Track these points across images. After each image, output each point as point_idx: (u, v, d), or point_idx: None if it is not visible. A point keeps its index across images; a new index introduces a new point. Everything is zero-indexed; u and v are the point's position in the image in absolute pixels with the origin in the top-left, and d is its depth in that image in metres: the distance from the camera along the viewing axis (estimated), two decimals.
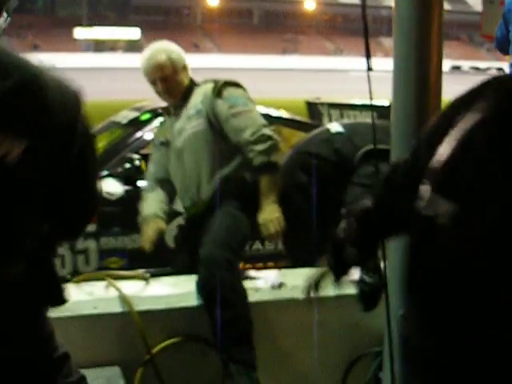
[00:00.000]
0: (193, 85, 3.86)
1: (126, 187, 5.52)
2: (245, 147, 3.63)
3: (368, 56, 2.48)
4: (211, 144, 3.70)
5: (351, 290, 3.09)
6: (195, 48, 68.16)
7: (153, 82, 3.81)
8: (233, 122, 3.65)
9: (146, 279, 3.46)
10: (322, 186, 3.69)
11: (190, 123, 3.74)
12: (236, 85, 3.79)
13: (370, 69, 2.43)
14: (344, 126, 4.02)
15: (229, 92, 3.72)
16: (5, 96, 1.70)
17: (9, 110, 1.70)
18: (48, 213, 1.86)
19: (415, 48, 2.54)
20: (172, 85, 3.78)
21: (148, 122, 5.84)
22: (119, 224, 5.49)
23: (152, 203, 3.92)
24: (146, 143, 5.71)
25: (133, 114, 6.12)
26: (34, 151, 1.70)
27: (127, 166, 5.52)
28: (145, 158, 5.70)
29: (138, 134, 5.85)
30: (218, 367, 3.25)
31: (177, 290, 3.37)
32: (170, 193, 4.00)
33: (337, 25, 79.68)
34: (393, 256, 2.53)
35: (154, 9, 77.07)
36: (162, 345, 3.22)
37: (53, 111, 1.76)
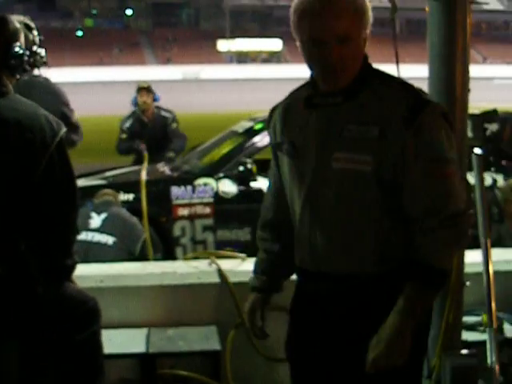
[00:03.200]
0: None
1: (240, 187, 6.41)
2: None
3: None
4: None
5: None
6: None
7: None
8: None
9: (242, 258, 4.20)
10: None
11: None
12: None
13: None
14: None
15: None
16: None
17: None
18: (23, 234, 2.48)
19: (444, 67, 3.15)
20: None
21: (261, 130, 6.66)
22: (233, 219, 6.38)
23: None
24: (259, 149, 6.60)
25: (249, 124, 7.04)
26: None
27: (241, 168, 6.40)
28: (257, 162, 6.56)
29: (252, 142, 6.72)
30: None
31: None
32: None
33: (481, 32, 78.11)
34: None
35: None
36: None
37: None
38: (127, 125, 8.52)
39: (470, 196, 3.11)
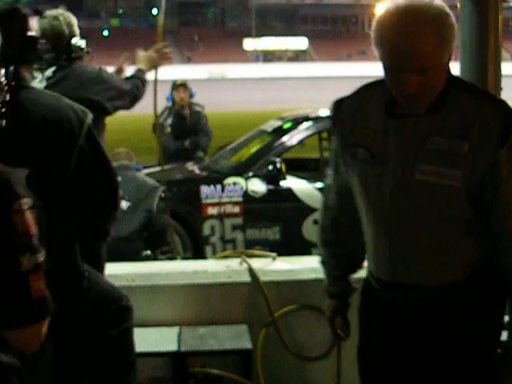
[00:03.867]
0: None
1: (269, 186, 6.40)
2: None
3: None
4: None
5: None
6: (363, 56, 68.48)
7: None
8: None
9: (273, 257, 4.21)
10: None
11: None
12: None
13: None
14: None
15: None
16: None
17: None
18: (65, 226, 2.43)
19: (476, 65, 3.15)
20: None
21: (290, 129, 6.67)
22: (262, 218, 6.38)
23: None
24: (288, 148, 6.59)
25: (277, 123, 7.04)
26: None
27: (270, 168, 6.40)
28: (286, 161, 6.58)
29: (281, 141, 6.72)
30: (329, 331, 3.95)
31: (296, 266, 4.10)
32: None
33: (509, 29, 77.40)
34: None
35: (321, 18, 77.97)
36: (283, 310, 3.95)
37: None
38: (169, 122, 8.69)
39: None
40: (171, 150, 8.43)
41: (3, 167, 1.78)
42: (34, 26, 2.73)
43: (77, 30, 3.81)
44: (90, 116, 2.57)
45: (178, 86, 8.80)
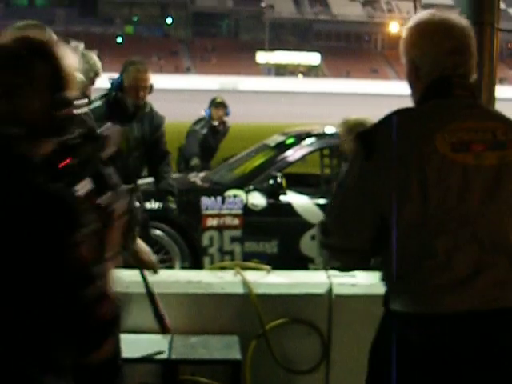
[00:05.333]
0: None
1: (269, 200, 6.49)
2: None
3: None
4: None
5: None
6: (374, 74, 68.61)
7: None
8: None
9: (267, 270, 4.27)
10: None
11: None
12: None
13: None
14: None
15: None
16: None
17: None
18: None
19: None
20: None
21: (292, 145, 6.76)
22: (261, 231, 6.46)
23: None
24: (289, 164, 6.68)
25: (280, 138, 7.13)
26: None
27: (271, 182, 6.49)
28: (287, 176, 6.66)
29: (283, 156, 6.81)
30: (319, 346, 4.01)
31: (289, 280, 4.16)
32: None
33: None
34: None
35: (334, 34, 78.15)
36: (274, 323, 4.00)
37: None
38: (203, 131, 9.16)
39: None
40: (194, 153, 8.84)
41: (68, 192, 1.78)
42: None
43: None
44: None
45: (219, 104, 9.26)
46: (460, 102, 2.28)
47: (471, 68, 2.29)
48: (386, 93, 42.28)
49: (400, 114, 2.28)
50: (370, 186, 2.22)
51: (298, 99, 40.88)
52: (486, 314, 2.16)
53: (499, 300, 2.17)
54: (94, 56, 4.36)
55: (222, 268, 4.34)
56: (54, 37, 2.78)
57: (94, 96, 4.89)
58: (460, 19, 2.29)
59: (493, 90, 3.26)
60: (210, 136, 9.18)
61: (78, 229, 1.66)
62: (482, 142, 2.20)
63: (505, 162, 2.20)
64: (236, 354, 3.75)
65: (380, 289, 2.41)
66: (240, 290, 4.01)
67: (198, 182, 7.27)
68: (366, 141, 2.25)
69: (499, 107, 2.60)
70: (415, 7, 3.31)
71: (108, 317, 1.75)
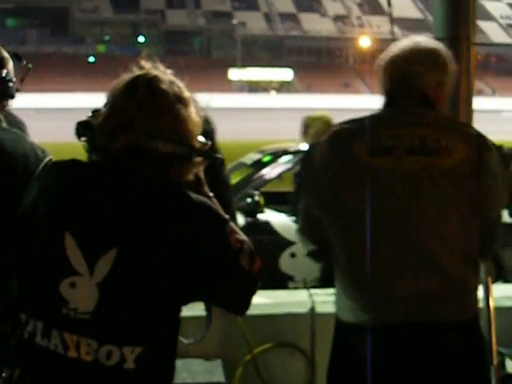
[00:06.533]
0: None
1: (247, 219, 6.44)
2: None
3: None
4: None
5: None
6: (346, 88, 68.95)
7: None
8: None
9: None
10: None
11: None
12: None
13: None
14: None
15: None
16: None
17: None
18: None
19: (449, 106, 3.20)
20: None
21: (269, 163, 6.73)
22: None
23: None
24: (266, 182, 6.63)
25: (257, 156, 7.09)
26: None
27: (248, 200, 6.44)
28: (264, 195, 6.63)
29: (260, 174, 6.78)
30: (304, 367, 3.96)
31: (275, 300, 4.11)
32: None
33: (490, 65, 78.43)
34: None
35: (306, 50, 78.56)
36: (261, 348, 3.93)
37: None
38: None
39: None
40: None
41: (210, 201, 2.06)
42: (10, 64, 2.74)
43: None
44: (48, 156, 2.57)
45: None
46: (403, 110, 2.38)
47: (427, 80, 2.41)
48: (358, 107, 42.53)
49: (340, 125, 2.47)
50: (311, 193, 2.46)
51: (271, 115, 40.92)
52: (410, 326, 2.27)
53: (425, 313, 2.25)
54: None
55: None
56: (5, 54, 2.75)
57: None
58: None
59: (470, 103, 3.26)
60: None
61: (227, 223, 2.00)
62: (405, 148, 2.26)
63: (430, 168, 2.23)
64: (219, 378, 3.69)
65: None
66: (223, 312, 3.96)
67: None
68: (305, 156, 2.53)
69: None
70: (392, 22, 3.36)
71: (260, 267, 2.10)
